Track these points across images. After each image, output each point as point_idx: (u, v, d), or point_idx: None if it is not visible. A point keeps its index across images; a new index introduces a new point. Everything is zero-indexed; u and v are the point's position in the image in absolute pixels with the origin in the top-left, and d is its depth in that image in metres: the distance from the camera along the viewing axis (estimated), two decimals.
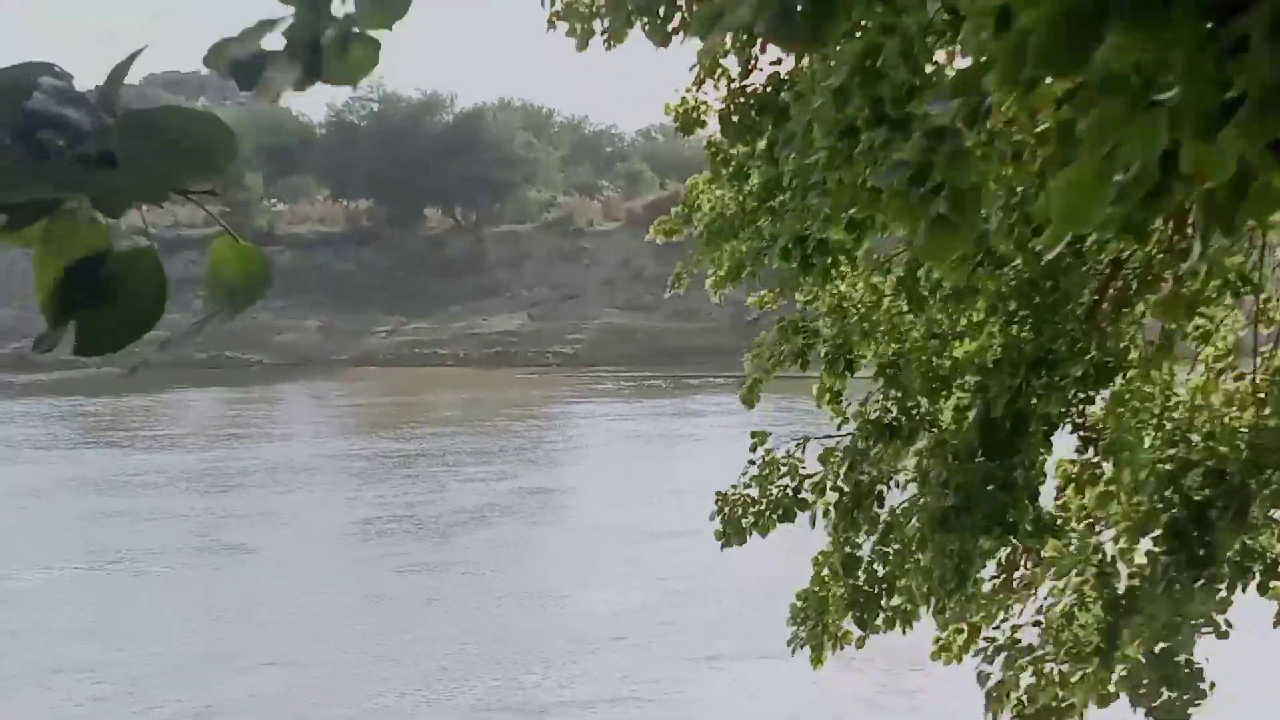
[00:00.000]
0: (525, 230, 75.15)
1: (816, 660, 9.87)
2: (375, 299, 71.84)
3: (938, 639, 9.71)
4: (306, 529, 29.68)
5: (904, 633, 9.47)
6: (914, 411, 9.13)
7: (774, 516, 9.81)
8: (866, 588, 9.49)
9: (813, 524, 9.66)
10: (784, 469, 9.86)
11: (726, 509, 9.91)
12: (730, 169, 9.44)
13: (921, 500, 8.81)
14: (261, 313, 70.20)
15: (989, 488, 8.22)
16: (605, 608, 23.06)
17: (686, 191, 10.37)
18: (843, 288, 9.40)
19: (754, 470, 9.91)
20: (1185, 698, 8.35)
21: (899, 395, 9.20)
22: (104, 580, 25.40)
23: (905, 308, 9.01)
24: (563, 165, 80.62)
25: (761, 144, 8.82)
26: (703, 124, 9.84)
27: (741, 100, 9.06)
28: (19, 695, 19.13)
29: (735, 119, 9.04)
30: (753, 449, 9.96)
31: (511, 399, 52.05)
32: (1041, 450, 8.40)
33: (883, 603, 9.46)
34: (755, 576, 19.28)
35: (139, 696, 18.96)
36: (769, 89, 8.89)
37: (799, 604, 9.91)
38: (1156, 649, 8.46)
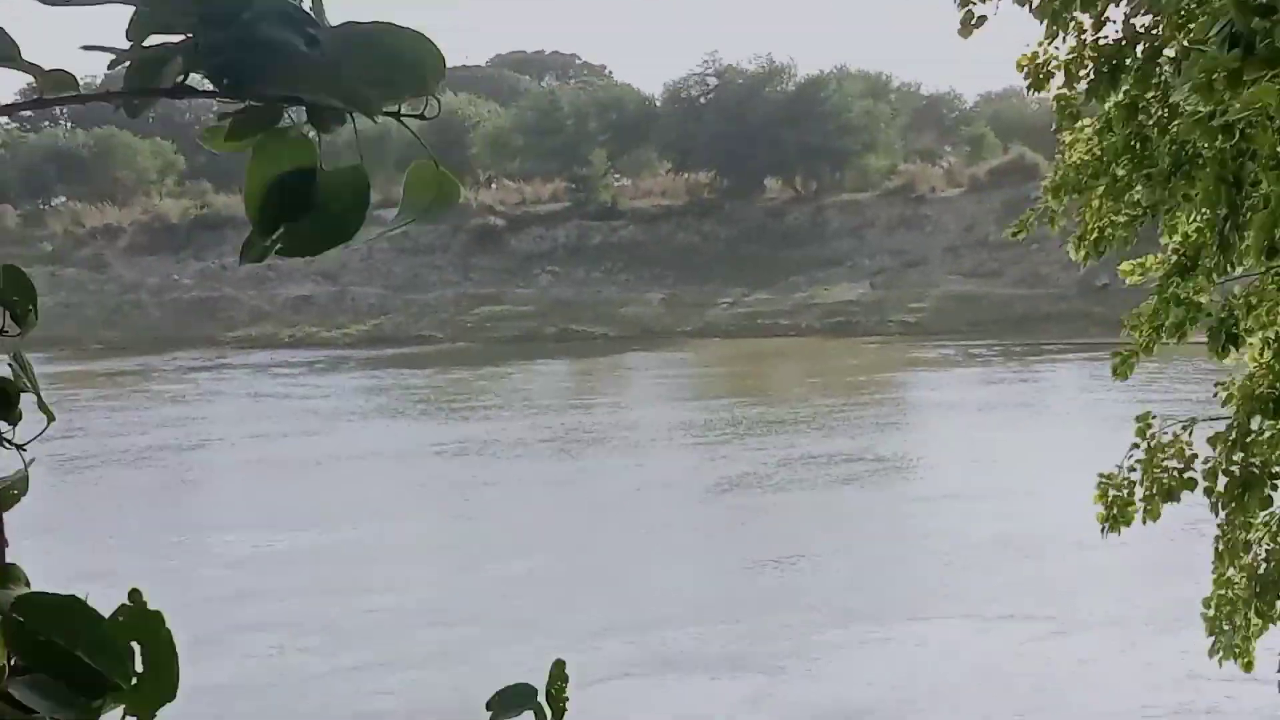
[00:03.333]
0: (866, 198, 74.46)
1: (1246, 665, 9.46)
2: (717, 271, 72.30)
3: None
4: (663, 491, 30.12)
5: None
6: None
7: (1159, 500, 9.42)
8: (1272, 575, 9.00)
9: (1215, 510, 9.19)
10: (1169, 452, 9.41)
11: (1111, 492, 9.53)
12: (1100, 120, 9.12)
13: None
14: (607, 287, 71.75)
15: None
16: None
17: (1066, 147, 10.04)
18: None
19: (1138, 454, 9.49)
20: None
21: None
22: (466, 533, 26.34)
23: None
24: (903, 132, 79.52)
25: (1116, 96, 8.46)
26: (1049, 78, 9.51)
27: (1094, 54, 8.70)
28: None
29: (1089, 73, 8.69)
30: (1139, 432, 9.52)
31: (855, 368, 51.73)
32: None
33: None
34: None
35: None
36: (1124, 41, 8.50)
37: (1209, 612, 9.48)
38: None
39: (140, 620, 1.49)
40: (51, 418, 1.73)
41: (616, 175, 79.91)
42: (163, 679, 1.49)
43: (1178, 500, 9.40)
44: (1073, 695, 17.61)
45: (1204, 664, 10.16)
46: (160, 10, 1.47)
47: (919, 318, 66.93)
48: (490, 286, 72.47)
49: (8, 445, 1.69)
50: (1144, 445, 9.49)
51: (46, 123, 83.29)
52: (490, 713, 1.73)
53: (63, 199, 77.94)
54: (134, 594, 1.55)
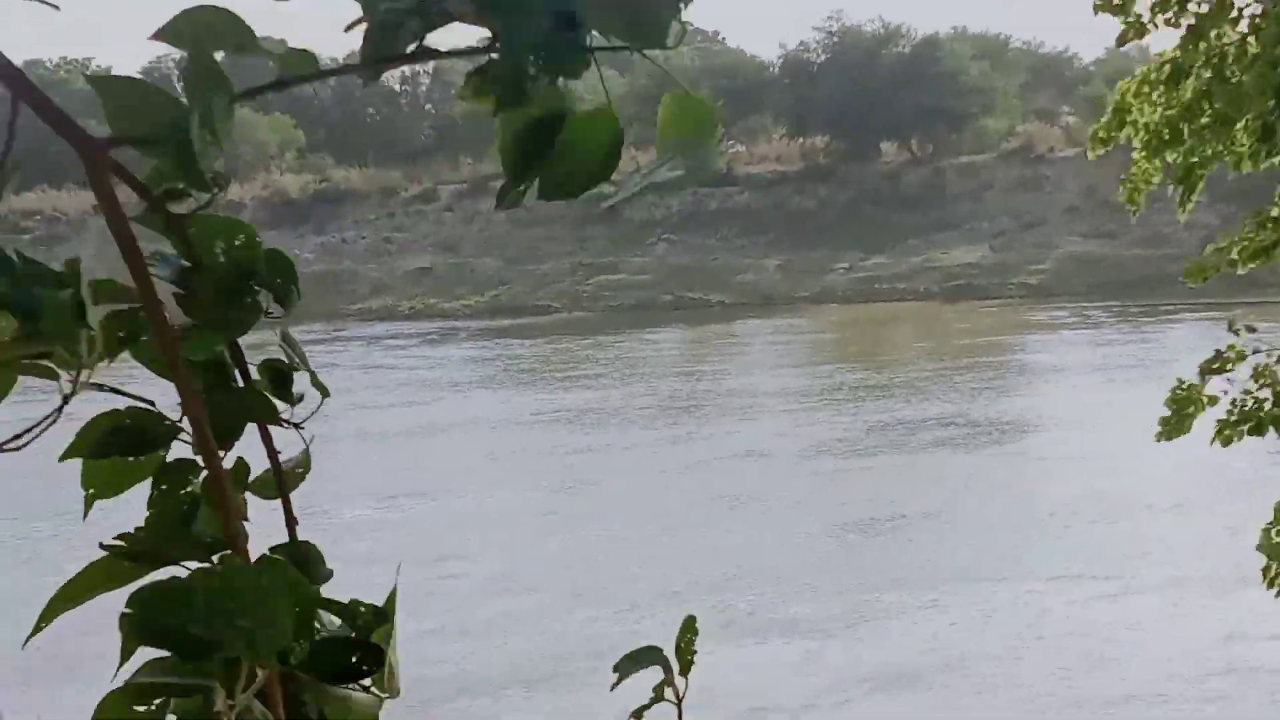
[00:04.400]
0: (984, 160, 73.45)
1: None
2: (833, 236, 71.81)
3: None
4: (748, 459, 30.16)
5: None
6: None
7: (1242, 428, 9.32)
8: None
9: None
10: (1261, 382, 9.32)
11: (1180, 396, 9.46)
12: (1165, 72, 9.07)
13: None
14: (721, 253, 71.63)
15: None
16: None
17: (1117, 96, 9.98)
18: None
19: (1227, 375, 9.42)
20: None
21: None
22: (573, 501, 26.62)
23: None
24: (1021, 92, 78.25)
25: (1203, 45, 8.45)
26: (1144, 32, 9.43)
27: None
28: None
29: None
30: (1229, 360, 9.42)
31: (967, 331, 51.21)
32: None
33: None
34: None
35: None
36: None
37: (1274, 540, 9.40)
38: None
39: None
40: (326, 394, 1.74)
41: (731, 141, 79.65)
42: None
43: (1262, 434, 9.32)
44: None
45: None
46: None
47: (1039, 280, 65.99)
48: (606, 255, 72.69)
49: (287, 424, 1.73)
50: (1233, 366, 9.44)
51: None
52: (616, 674, 1.75)
53: None
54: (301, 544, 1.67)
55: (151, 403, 1.67)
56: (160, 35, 1.51)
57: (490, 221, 73.83)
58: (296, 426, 1.73)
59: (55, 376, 1.46)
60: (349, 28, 1.51)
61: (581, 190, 1.54)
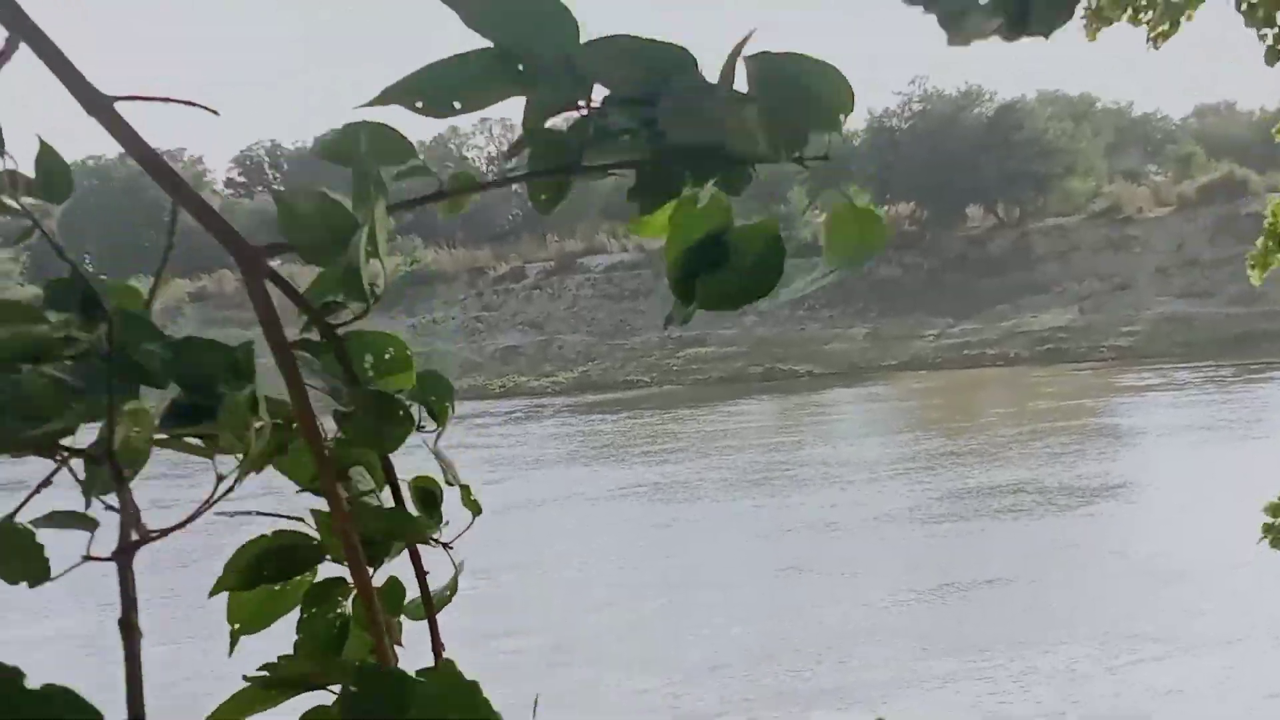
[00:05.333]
0: (1071, 222, 72.92)
1: None
2: (921, 302, 71.53)
3: None
4: (808, 530, 30.05)
5: None
6: None
7: None
8: None
9: None
10: None
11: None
12: None
13: None
14: (809, 323, 71.54)
15: None
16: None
17: (1271, 218, 10.08)
18: None
19: None
20: None
21: None
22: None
23: None
24: (1107, 153, 77.71)
25: None
26: None
27: None
28: None
29: None
30: None
31: (1052, 394, 50.68)
32: None
33: None
34: None
35: None
36: None
37: None
38: None
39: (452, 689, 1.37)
40: (477, 512, 1.71)
41: (816, 211, 79.68)
42: None
43: None
44: None
45: None
46: (559, 93, 1.50)
47: (1131, 341, 65.22)
48: (695, 329, 72.86)
49: (434, 543, 1.67)
50: None
51: (260, 187, 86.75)
52: None
53: (278, 261, 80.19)
54: (447, 663, 1.55)
55: (300, 519, 1.63)
56: (322, 151, 1.57)
57: (577, 298, 74.45)
58: (445, 546, 1.68)
59: (209, 455, 1.45)
60: (511, 153, 1.57)
61: (745, 302, 1.55)
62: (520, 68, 1.48)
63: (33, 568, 1.34)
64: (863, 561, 27.30)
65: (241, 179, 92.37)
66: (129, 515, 1.36)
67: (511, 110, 1.56)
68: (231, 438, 1.42)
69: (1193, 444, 37.53)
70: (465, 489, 1.72)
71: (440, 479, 1.73)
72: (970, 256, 73.80)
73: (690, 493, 36.12)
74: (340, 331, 1.62)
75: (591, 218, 74.13)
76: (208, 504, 1.41)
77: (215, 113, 1.58)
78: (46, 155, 1.48)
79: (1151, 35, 9.30)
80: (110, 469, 1.38)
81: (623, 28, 1.44)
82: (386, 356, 1.68)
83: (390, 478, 1.67)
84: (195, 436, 1.45)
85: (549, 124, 1.55)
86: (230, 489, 1.42)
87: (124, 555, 1.32)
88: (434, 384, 1.70)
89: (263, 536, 1.64)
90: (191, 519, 1.41)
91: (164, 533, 1.38)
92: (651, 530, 31.46)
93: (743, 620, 23.56)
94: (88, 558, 1.34)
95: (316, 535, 1.65)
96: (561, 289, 76.02)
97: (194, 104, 1.63)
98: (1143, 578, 23.85)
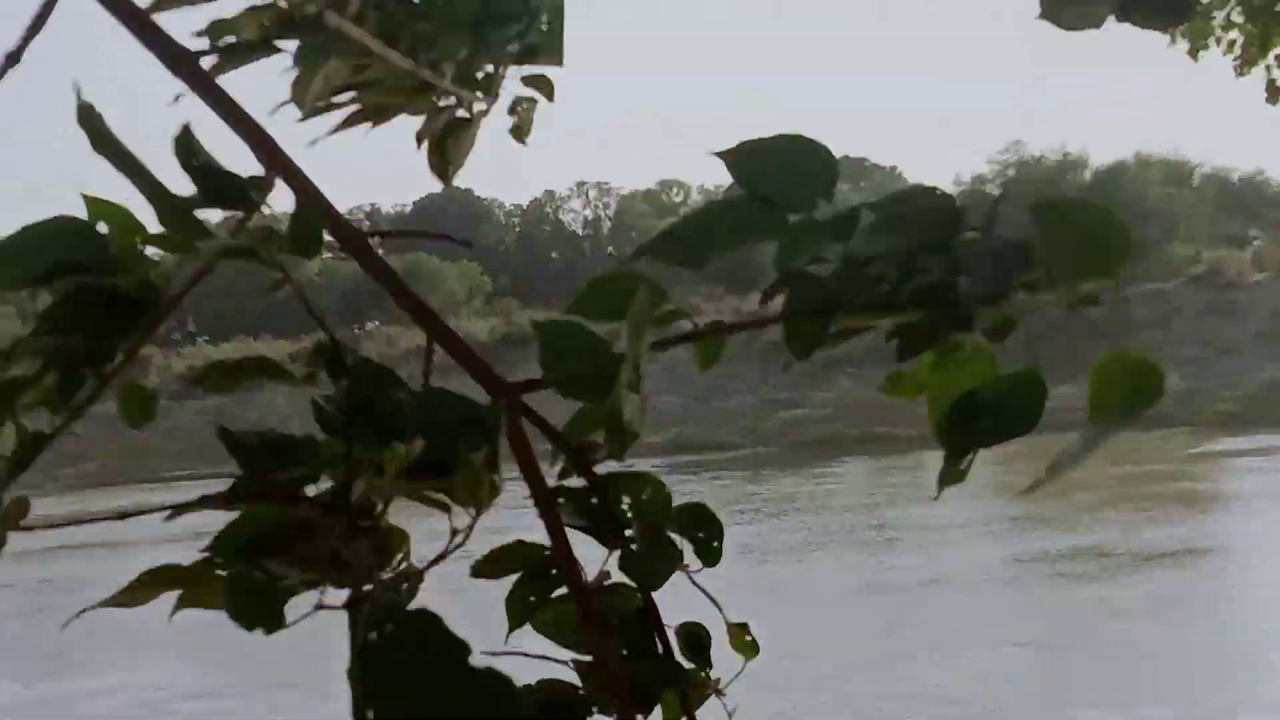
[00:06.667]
0: (1170, 287, 72.05)
1: None
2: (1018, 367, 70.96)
3: None
4: (866, 593, 29.92)
5: None
6: None
7: None
8: None
9: None
10: None
11: None
12: None
13: None
14: None
15: None
16: None
17: None
18: None
19: None
20: None
21: None
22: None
23: None
24: (1208, 217, 76.78)
25: None
26: None
27: None
28: None
29: None
30: None
31: (1154, 458, 49.96)
32: None
33: None
34: None
35: None
36: None
37: None
38: None
39: None
40: (754, 653, 1.63)
41: None
42: None
43: None
44: None
45: None
46: (817, 242, 1.44)
47: (1234, 407, 64.20)
48: (789, 391, 72.80)
49: (716, 694, 1.59)
50: None
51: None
52: None
53: (376, 323, 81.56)
54: None
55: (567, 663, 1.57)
56: (575, 308, 1.51)
57: (673, 360, 73.80)
58: (718, 693, 1.59)
59: (447, 509, 1.43)
60: (766, 297, 1.49)
61: (1000, 442, 1.49)
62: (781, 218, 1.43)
63: (267, 616, 1.34)
64: (916, 625, 27.12)
65: None
66: (361, 565, 1.35)
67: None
68: (465, 494, 1.41)
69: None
70: (739, 628, 1.66)
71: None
72: (1068, 322, 72.92)
73: (769, 552, 36.09)
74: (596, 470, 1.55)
75: (682, 283, 74.55)
76: (441, 557, 1.39)
77: (469, 245, 1.59)
78: (304, 211, 1.49)
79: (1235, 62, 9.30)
80: (346, 519, 1.37)
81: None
82: (644, 496, 1.61)
83: (656, 621, 1.59)
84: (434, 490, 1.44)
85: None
86: (462, 543, 1.40)
87: (357, 605, 1.31)
88: (699, 518, 1.64)
89: (526, 687, 1.47)
90: (425, 569, 1.41)
91: (396, 585, 1.38)
92: (729, 591, 31.47)
93: (785, 684, 23.53)
94: (320, 606, 1.34)
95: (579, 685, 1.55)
96: (656, 350, 76.35)
97: (448, 237, 1.81)
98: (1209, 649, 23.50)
